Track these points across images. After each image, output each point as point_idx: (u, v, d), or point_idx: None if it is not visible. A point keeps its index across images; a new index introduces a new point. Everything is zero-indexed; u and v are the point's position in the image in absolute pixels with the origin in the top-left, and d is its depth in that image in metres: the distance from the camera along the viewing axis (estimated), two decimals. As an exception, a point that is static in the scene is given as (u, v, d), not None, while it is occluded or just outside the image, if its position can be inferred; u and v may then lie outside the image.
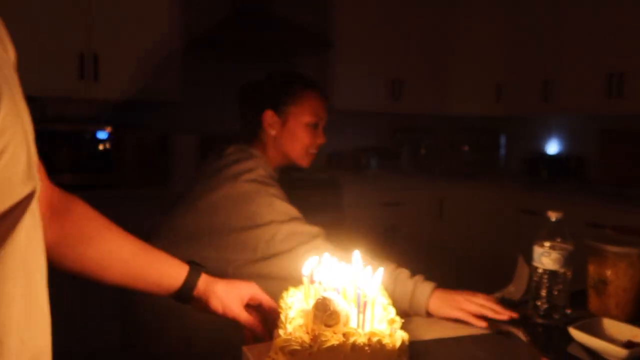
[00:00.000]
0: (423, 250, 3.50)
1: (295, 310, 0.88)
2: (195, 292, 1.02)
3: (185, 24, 3.32)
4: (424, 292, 1.26)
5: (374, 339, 0.78)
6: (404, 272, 1.32)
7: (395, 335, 0.80)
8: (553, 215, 1.21)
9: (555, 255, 1.19)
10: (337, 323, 0.80)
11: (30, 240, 0.58)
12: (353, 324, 0.82)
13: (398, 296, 1.26)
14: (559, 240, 1.20)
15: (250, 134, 1.55)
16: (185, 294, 1.02)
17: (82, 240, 0.89)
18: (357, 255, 0.93)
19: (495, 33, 3.87)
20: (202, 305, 1.04)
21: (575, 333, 1.08)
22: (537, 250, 1.22)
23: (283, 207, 1.39)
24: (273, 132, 1.53)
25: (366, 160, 3.98)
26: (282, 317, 0.85)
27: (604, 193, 3.14)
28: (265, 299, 1.05)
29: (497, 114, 3.93)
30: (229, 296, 1.03)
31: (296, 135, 1.53)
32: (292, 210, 1.40)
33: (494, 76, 3.89)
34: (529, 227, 3.20)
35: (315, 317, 0.81)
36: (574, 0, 3.34)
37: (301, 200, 3.39)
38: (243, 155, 1.49)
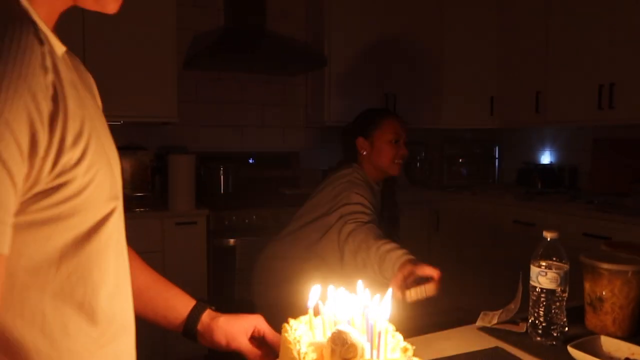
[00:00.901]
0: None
1: (304, 344, 0.88)
2: (200, 326, 1.05)
3: (179, 43, 3.35)
4: (398, 259, 1.60)
5: None
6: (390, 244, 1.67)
7: None
8: (548, 235, 1.23)
9: (551, 274, 1.21)
10: (355, 356, 0.80)
11: (116, 241, 0.77)
12: (367, 355, 0.83)
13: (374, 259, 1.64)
14: (555, 259, 1.23)
15: (351, 158, 2.10)
16: (190, 328, 1.05)
17: None
18: (361, 284, 0.95)
19: (487, 47, 3.92)
20: (207, 340, 1.05)
21: (574, 352, 1.10)
22: (534, 269, 1.24)
23: (357, 198, 1.88)
24: (365, 152, 2.07)
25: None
26: (294, 352, 0.84)
27: (598, 202, 3.17)
28: (268, 330, 1.07)
29: (491, 126, 3.98)
30: (232, 329, 1.05)
31: (382, 150, 2.04)
32: (364, 201, 1.87)
33: (487, 89, 3.94)
34: (524, 238, 3.23)
35: (332, 351, 0.81)
36: (564, 14, 3.39)
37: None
38: (346, 166, 2.07)
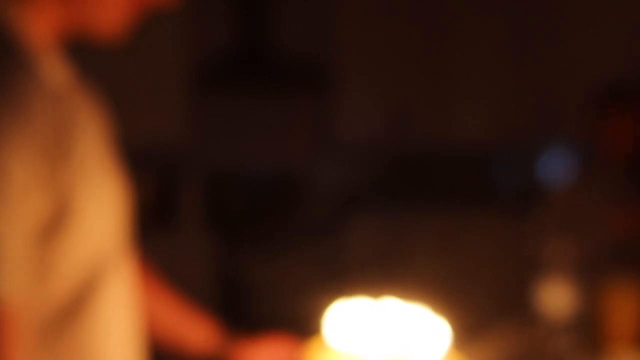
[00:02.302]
0: (431, 284, 3.50)
1: None
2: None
3: (188, 63, 3.39)
4: None
5: None
6: None
7: None
8: (555, 256, 1.24)
9: (560, 294, 1.22)
10: None
11: (118, 298, 0.67)
12: None
13: None
14: (563, 278, 1.23)
15: None
16: None
17: None
18: (393, 304, 0.86)
19: (496, 61, 3.90)
20: None
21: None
22: (543, 291, 1.24)
23: None
24: None
25: (369, 194, 4.00)
26: None
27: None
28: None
29: (496, 142, 3.96)
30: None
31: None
32: None
33: (492, 104, 3.92)
34: (539, 262, 3.19)
35: None
36: (567, 21, 3.40)
37: (302, 237, 3.40)
38: None
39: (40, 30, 0.63)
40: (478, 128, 3.96)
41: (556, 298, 1.23)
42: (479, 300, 3.53)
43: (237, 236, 3.20)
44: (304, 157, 4.05)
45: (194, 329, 1.01)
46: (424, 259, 3.55)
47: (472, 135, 3.99)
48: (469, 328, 1.32)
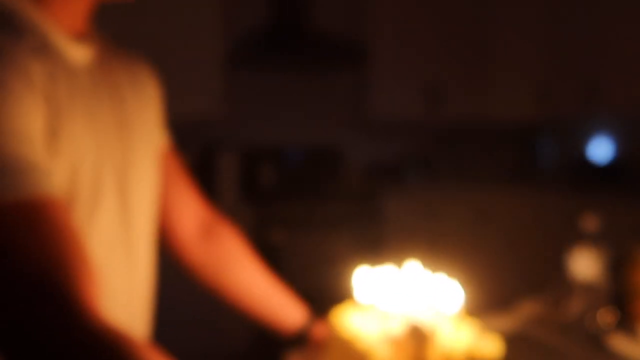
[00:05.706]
0: (465, 261, 3.46)
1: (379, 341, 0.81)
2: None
3: (223, 39, 3.41)
4: None
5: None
6: None
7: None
8: (591, 226, 1.21)
9: (594, 266, 1.19)
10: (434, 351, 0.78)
11: (110, 231, 0.73)
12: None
13: None
14: (597, 251, 1.20)
15: None
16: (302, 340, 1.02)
17: (222, 267, 0.95)
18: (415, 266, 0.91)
19: (535, 32, 3.78)
20: None
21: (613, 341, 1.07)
22: (576, 262, 1.22)
23: None
24: None
25: (406, 171, 3.99)
26: (359, 349, 0.79)
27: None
28: None
29: (539, 117, 3.87)
30: None
31: None
32: None
33: (535, 78, 3.80)
34: (574, 236, 3.13)
35: (412, 347, 0.77)
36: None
37: (337, 213, 3.41)
38: None
39: (63, 16, 0.67)
40: (515, 103, 3.87)
41: (587, 271, 1.20)
42: (510, 270, 3.48)
43: (273, 211, 3.24)
44: (339, 132, 4.05)
45: (286, 306, 1.01)
46: (457, 233, 3.52)
47: (508, 110, 3.90)
48: (498, 298, 1.30)
